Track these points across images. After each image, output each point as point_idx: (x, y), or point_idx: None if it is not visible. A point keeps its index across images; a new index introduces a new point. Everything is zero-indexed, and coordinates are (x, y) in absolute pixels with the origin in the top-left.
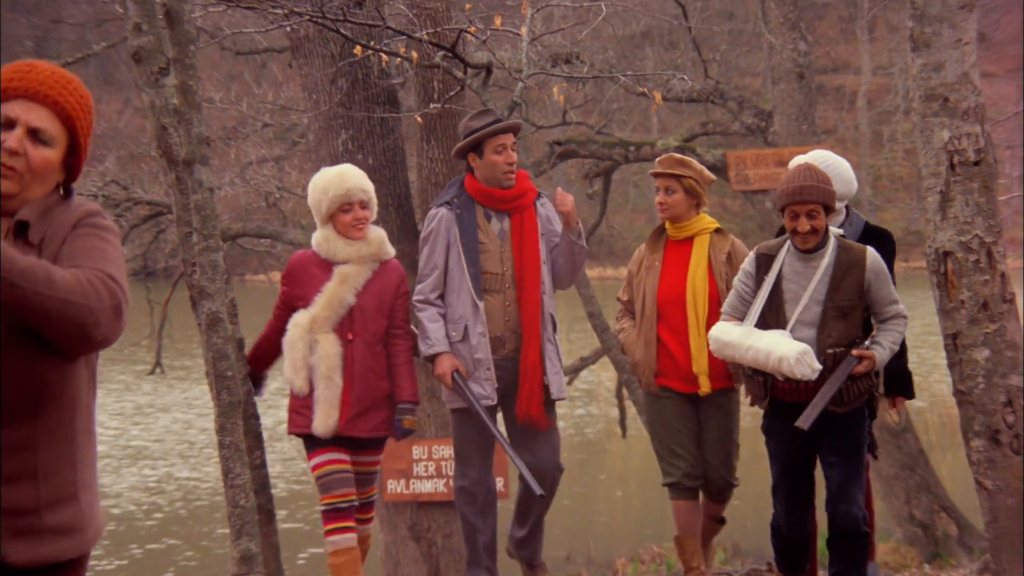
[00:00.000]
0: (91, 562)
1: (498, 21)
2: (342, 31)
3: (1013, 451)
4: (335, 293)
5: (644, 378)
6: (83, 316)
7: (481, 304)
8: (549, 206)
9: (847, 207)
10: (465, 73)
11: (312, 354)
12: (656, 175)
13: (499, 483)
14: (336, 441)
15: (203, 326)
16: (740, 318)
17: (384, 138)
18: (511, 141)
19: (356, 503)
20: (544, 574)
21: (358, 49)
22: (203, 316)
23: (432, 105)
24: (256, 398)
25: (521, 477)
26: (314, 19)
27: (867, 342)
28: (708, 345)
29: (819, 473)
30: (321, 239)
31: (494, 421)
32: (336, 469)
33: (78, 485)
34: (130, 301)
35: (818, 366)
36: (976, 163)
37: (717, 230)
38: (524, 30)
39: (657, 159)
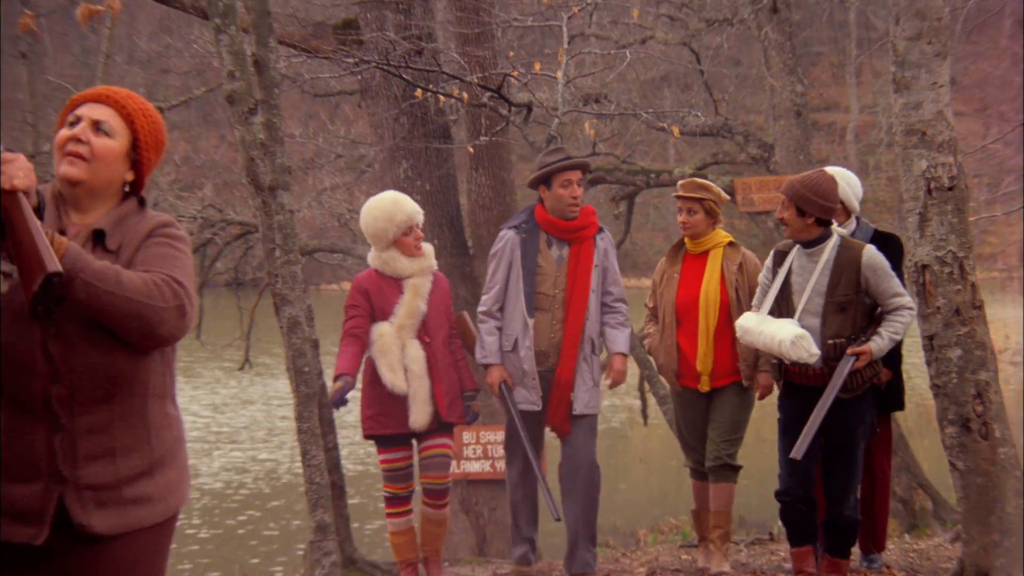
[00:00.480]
0: (188, 531)
1: (537, 67)
2: (404, 76)
3: (981, 436)
4: (411, 303)
5: (668, 379)
6: (148, 314)
7: (531, 321)
8: (608, 239)
9: (857, 217)
10: (509, 111)
11: (404, 356)
12: (679, 198)
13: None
14: (404, 439)
15: (284, 328)
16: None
17: (439, 167)
18: (577, 177)
19: (413, 492)
20: None
21: (418, 92)
22: (284, 320)
23: (480, 138)
24: (342, 407)
25: (546, 498)
26: (380, 66)
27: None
28: (714, 348)
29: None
30: (386, 259)
31: (542, 423)
32: (401, 465)
33: (154, 462)
34: (220, 307)
35: (815, 351)
36: (950, 188)
37: (730, 243)
38: (560, 74)
39: (679, 184)
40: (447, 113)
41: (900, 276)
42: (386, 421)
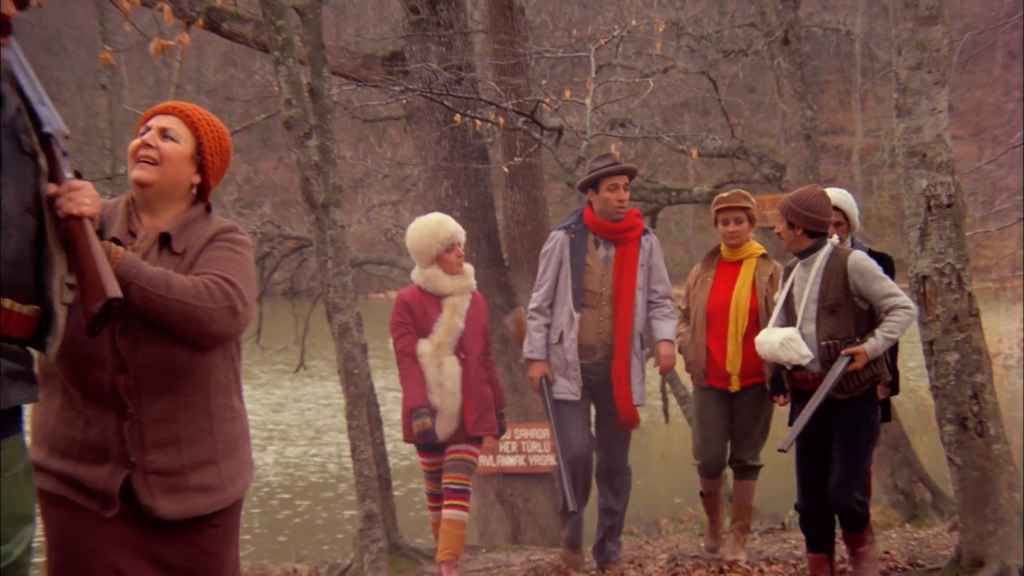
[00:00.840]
0: (244, 522)
1: (567, 94)
2: (445, 103)
3: (977, 434)
4: (450, 321)
5: (695, 375)
6: (199, 315)
7: (576, 315)
8: (654, 240)
9: (852, 238)
10: (541, 134)
11: (440, 373)
12: (724, 209)
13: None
14: (440, 445)
15: (336, 334)
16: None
17: (477, 185)
18: (624, 182)
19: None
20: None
21: (458, 117)
22: (336, 326)
23: (515, 159)
24: (435, 432)
25: (561, 485)
26: (424, 94)
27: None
28: (743, 349)
29: None
30: (428, 276)
31: (587, 411)
32: (439, 468)
33: (217, 452)
34: (278, 315)
35: (806, 352)
36: (948, 206)
37: (763, 255)
38: (588, 101)
39: (721, 198)
40: (484, 136)
41: None
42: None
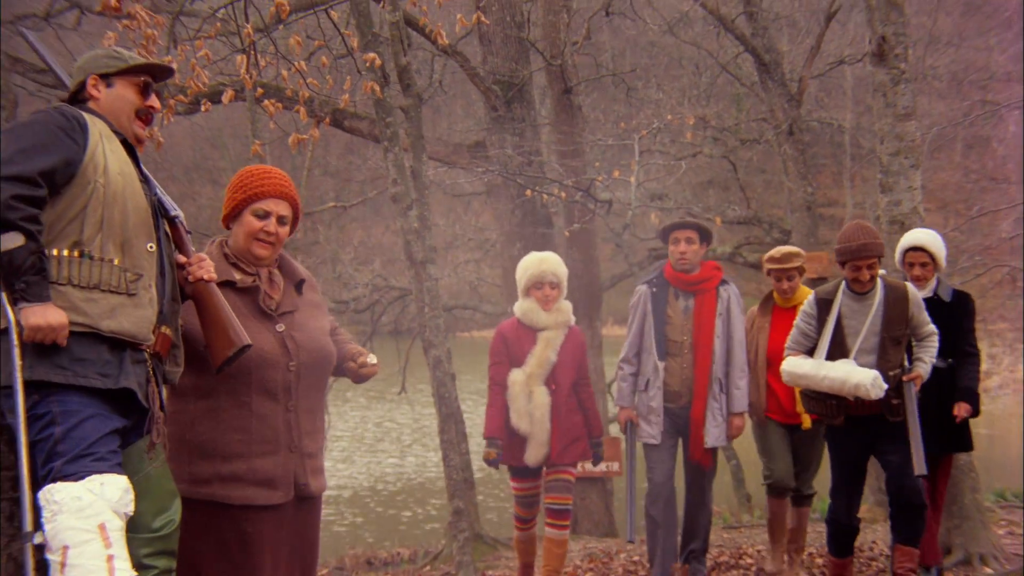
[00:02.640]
0: (344, 518)
1: (616, 173)
2: (519, 180)
3: None
4: (542, 354)
5: (757, 415)
6: None
7: (661, 364)
8: (733, 291)
9: (937, 277)
10: (595, 206)
11: (529, 402)
12: (778, 270)
13: (615, 465)
14: (533, 471)
15: (431, 365)
16: (803, 351)
17: (543, 247)
18: (685, 236)
19: (537, 515)
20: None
21: (528, 192)
22: (431, 359)
23: (574, 226)
24: (498, 460)
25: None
26: (501, 174)
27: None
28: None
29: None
30: (525, 310)
31: (673, 448)
32: (527, 493)
33: (321, 441)
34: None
35: (885, 386)
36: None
37: None
38: (632, 179)
39: (772, 257)
40: (549, 207)
41: (973, 328)
42: (509, 454)
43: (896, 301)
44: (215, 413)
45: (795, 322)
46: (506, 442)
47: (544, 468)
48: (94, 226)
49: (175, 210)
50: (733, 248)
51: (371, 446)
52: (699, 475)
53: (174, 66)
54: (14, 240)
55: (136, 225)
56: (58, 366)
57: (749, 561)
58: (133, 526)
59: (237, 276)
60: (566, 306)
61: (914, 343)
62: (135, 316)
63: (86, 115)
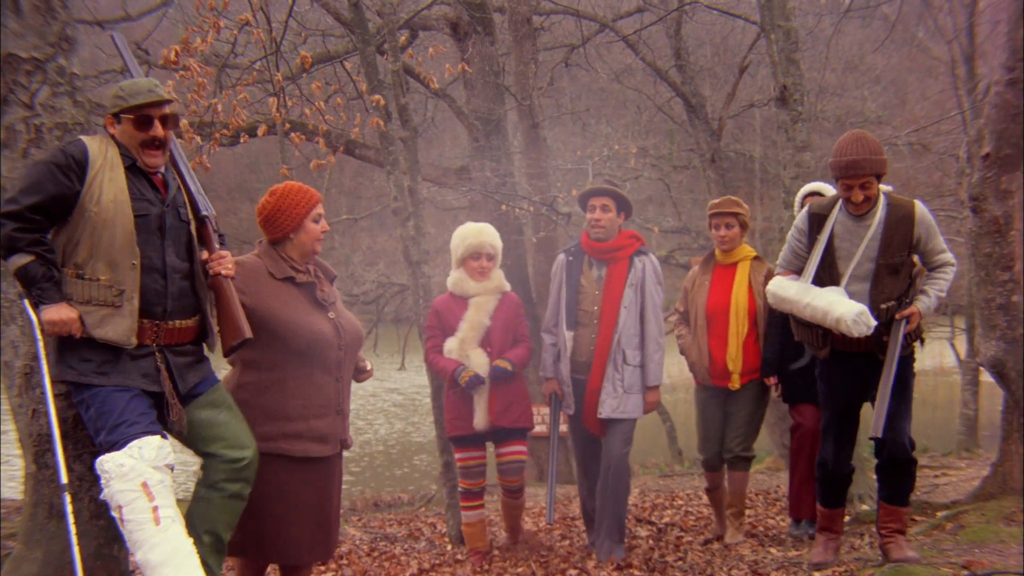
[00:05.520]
0: (350, 471)
1: (574, 192)
2: (496, 197)
3: None
4: (475, 318)
5: (699, 375)
6: None
7: (569, 335)
8: (650, 262)
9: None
10: (557, 217)
11: (471, 365)
12: (716, 215)
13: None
14: (479, 440)
15: (424, 346)
16: (794, 271)
17: (515, 251)
18: (600, 203)
19: (484, 488)
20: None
21: (503, 206)
22: (423, 341)
23: (540, 233)
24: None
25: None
26: (481, 192)
27: (914, 294)
28: (743, 349)
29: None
30: (455, 279)
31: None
32: (472, 464)
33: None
34: (387, 334)
35: (873, 323)
36: None
37: (756, 257)
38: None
39: (713, 204)
40: (520, 219)
41: None
42: (460, 424)
43: (898, 222)
44: (282, 383)
45: (787, 237)
46: (455, 414)
47: (492, 443)
48: (88, 250)
49: (207, 210)
50: (667, 252)
51: (384, 411)
52: (597, 447)
53: (219, 106)
54: (24, 259)
55: (122, 246)
56: (69, 366)
57: (680, 502)
58: (211, 459)
59: (298, 274)
60: (498, 274)
61: (924, 272)
62: (120, 325)
63: (96, 145)
